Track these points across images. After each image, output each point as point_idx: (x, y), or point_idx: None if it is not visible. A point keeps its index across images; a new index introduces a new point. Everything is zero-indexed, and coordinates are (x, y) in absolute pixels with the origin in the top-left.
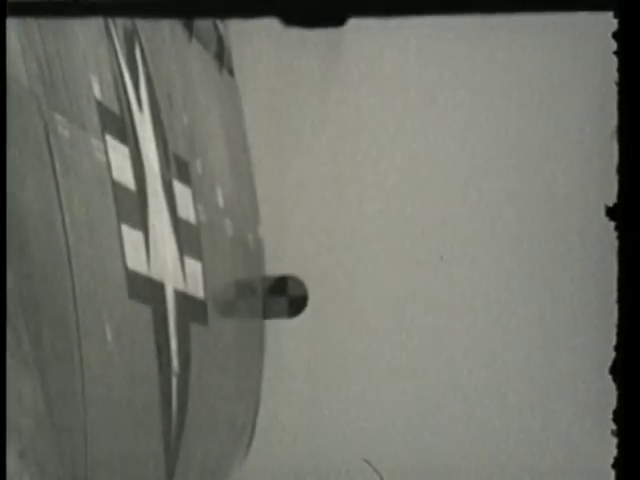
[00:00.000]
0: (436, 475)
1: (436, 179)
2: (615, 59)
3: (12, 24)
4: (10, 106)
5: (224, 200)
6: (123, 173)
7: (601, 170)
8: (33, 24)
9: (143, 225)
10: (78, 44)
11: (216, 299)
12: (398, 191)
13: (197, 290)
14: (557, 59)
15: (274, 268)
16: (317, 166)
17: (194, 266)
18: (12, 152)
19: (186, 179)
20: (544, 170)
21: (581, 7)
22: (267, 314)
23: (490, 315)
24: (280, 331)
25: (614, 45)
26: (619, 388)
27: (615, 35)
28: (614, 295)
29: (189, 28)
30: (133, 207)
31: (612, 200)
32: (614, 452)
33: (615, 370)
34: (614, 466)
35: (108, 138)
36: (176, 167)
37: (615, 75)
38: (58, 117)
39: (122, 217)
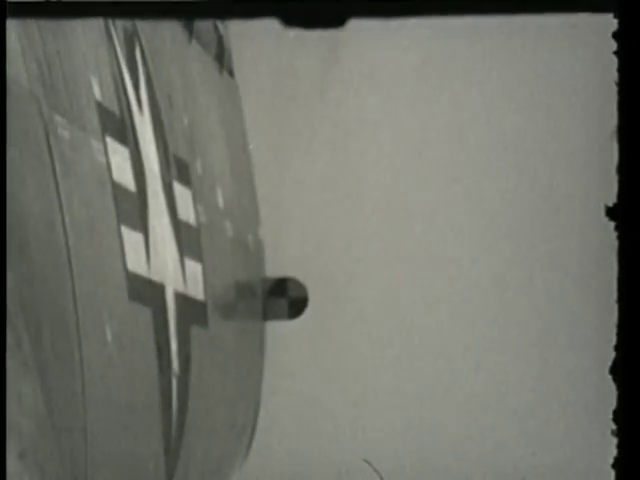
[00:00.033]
0: (436, 475)
1: (436, 179)
2: (615, 59)
3: (12, 25)
4: (10, 107)
5: (224, 201)
6: (123, 174)
7: (601, 170)
8: (33, 25)
9: (143, 226)
10: (78, 45)
11: (216, 300)
12: (398, 192)
13: (197, 292)
14: (557, 59)
15: (274, 270)
16: (317, 167)
17: (194, 267)
18: (12, 153)
19: (186, 180)
20: (544, 170)
21: (581, 8)
22: (267, 316)
23: (490, 315)
24: (280, 333)
25: (614, 45)
26: (619, 388)
27: (615, 35)
28: (614, 295)
29: (189, 29)
30: (133, 208)
31: (612, 200)
32: (614, 452)
33: (615, 370)
34: (614, 466)
35: (108, 139)
36: (176, 168)
37: (615, 75)
38: (58, 118)
39: (122, 218)
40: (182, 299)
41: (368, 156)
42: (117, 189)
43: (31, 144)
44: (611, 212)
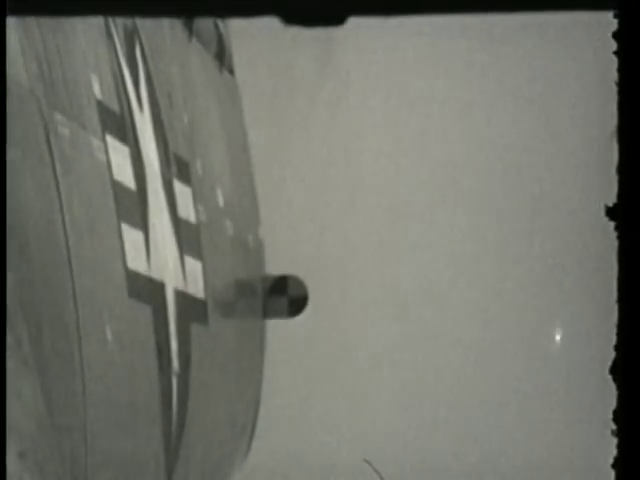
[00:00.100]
0: (436, 475)
1: (436, 178)
2: (615, 59)
3: (12, 23)
4: (10, 106)
5: (224, 200)
6: (123, 173)
7: (601, 170)
8: (33, 23)
9: (143, 225)
10: (78, 43)
11: (216, 299)
12: (398, 190)
13: (197, 290)
14: (557, 59)
15: (274, 268)
16: (317, 165)
17: (194, 266)
18: (12, 152)
19: (186, 179)
20: (544, 170)
21: (581, 6)
22: (267, 314)
23: (490, 314)
24: (280, 331)
25: (614, 45)
26: (619, 388)
27: (615, 35)
28: (614, 295)
29: (189, 27)
30: (133, 207)
31: (612, 200)
32: (614, 452)
33: (615, 370)
34: (614, 466)
35: (108, 137)
36: (176, 167)
37: (615, 75)
38: (58, 116)
39: (122, 217)
40: (182, 297)
41: (368, 155)
42: (117, 187)
43: (31, 143)
44: (611, 212)
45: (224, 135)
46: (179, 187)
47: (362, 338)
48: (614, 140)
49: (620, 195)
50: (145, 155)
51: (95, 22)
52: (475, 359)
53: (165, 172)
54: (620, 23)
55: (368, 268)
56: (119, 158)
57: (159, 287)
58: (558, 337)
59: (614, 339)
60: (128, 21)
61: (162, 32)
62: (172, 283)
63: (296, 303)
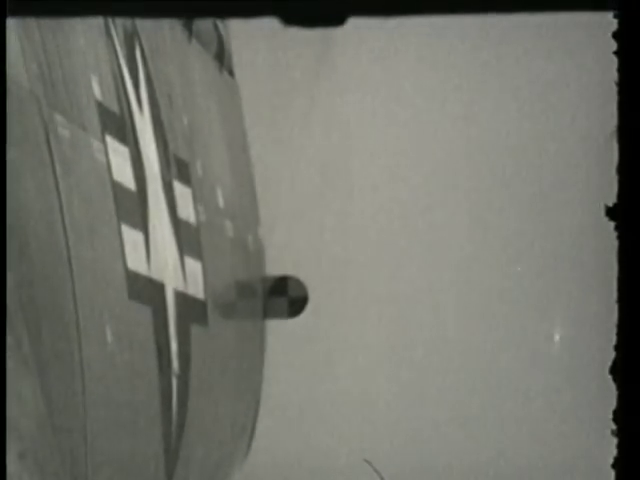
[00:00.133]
0: (436, 475)
1: (436, 179)
2: (615, 59)
3: (12, 24)
4: (10, 106)
5: (224, 201)
6: (123, 173)
7: (601, 170)
8: (33, 24)
9: (143, 225)
10: (78, 44)
11: (216, 300)
12: (399, 192)
13: (197, 291)
14: (557, 59)
15: (274, 268)
16: (317, 165)
17: (194, 267)
18: (12, 152)
19: (186, 180)
20: (543, 170)
21: (581, 6)
22: (267, 315)
23: (490, 315)
24: (280, 331)
25: (614, 45)
26: (619, 388)
27: (615, 35)
28: (614, 295)
29: (189, 28)
30: (133, 207)
31: (612, 200)
32: (614, 452)
33: (615, 370)
34: (614, 466)
35: (108, 138)
36: (176, 167)
37: (615, 75)
38: (58, 117)
39: (122, 217)
40: (182, 298)
41: (368, 155)
42: (117, 188)
43: (31, 144)
44: (611, 212)
45: (224, 135)
46: (179, 188)
47: (362, 338)
48: (614, 140)
49: (620, 195)
50: (145, 156)
51: (95, 23)
52: (475, 359)
53: (165, 173)
54: (620, 23)
55: (368, 268)
56: (119, 159)
57: (159, 288)
58: (558, 337)
59: (614, 339)
60: (128, 22)
61: (162, 33)
62: (172, 284)
63: (296, 304)
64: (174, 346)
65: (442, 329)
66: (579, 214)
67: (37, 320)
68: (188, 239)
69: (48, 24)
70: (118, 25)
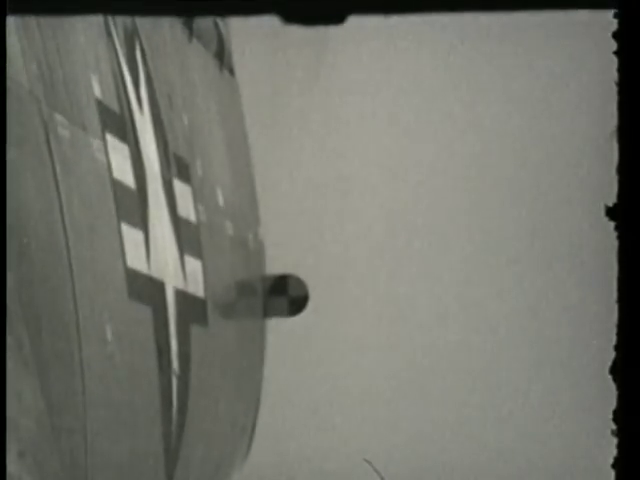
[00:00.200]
0: (436, 475)
1: (436, 178)
2: (615, 59)
3: (12, 23)
4: (10, 106)
5: (224, 200)
6: (123, 173)
7: (601, 170)
8: (33, 23)
9: (143, 224)
10: (78, 44)
11: (216, 299)
12: (399, 191)
13: (197, 289)
14: (557, 59)
15: (274, 268)
16: (318, 165)
17: (194, 265)
18: (12, 152)
19: (186, 179)
20: (544, 170)
21: (581, 5)
22: (268, 313)
23: (490, 314)
24: (280, 331)
25: (614, 45)
26: (619, 388)
27: (615, 35)
28: (614, 295)
29: (189, 27)
30: (133, 206)
31: (612, 200)
32: (614, 452)
33: (615, 370)
34: (614, 466)
35: (108, 138)
36: (176, 167)
37: (615, 75)
38: (58, 117)
39: (122, 216)
40: (182, 297)
41: (368, 154)
42: (117, 187)
43: (31, 144)
44: (611, 212)
45: (224, 135)
46: (179, 187)
47: (362, 337)
48: (614, 140)
49: (620, 195)
50: (145, 155)
51: (95, 23)
52: (475, 359)
53: (165, 172)
54: (620, 23)
55: (368, 268)
56: (119, 158)
57: (159, 287)
58: (558, 337)
59: (614, 339)
60: (128, 21)
61: (162, 32)
62: (172, 283)
63: (296, 302)
64: (174, 346)
65: (442, 329)
66: (579, 214)
67: (37, 320)
68: (188, 238)
69: (48, 23)
70: (118, 24)
